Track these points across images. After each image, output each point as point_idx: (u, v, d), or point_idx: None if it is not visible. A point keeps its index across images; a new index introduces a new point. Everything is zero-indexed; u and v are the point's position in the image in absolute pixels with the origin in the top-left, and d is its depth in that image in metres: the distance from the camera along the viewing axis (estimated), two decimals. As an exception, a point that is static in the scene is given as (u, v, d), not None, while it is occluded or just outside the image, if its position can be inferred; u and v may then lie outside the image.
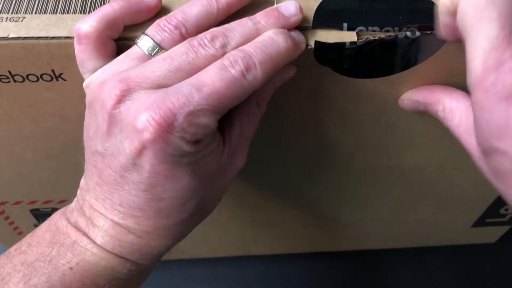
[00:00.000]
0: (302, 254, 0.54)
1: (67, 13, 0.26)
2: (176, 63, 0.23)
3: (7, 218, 0.41)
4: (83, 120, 0.30)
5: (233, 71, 0.23)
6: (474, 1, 0.21)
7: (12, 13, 0.26)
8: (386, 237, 0.51)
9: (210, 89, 0.22)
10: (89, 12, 0.26)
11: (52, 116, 0.30)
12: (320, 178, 0.39)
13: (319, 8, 0.26)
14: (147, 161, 0.23)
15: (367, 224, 0.48)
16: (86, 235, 0.25)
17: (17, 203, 0.39)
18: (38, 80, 0.27)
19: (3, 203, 0.39)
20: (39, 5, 0.26)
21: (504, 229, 0.51)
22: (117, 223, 0.25)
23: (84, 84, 0.25)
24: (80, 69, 0.25)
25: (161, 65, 0.23)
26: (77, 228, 0.25)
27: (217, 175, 0.26)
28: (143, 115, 0.22)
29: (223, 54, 0.23)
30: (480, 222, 0.49)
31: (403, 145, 0.36)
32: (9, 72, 0.26)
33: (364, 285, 0.54)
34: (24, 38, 0.25)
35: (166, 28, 0.24)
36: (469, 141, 0.26)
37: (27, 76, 0.27)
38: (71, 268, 0.24)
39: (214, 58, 0.23)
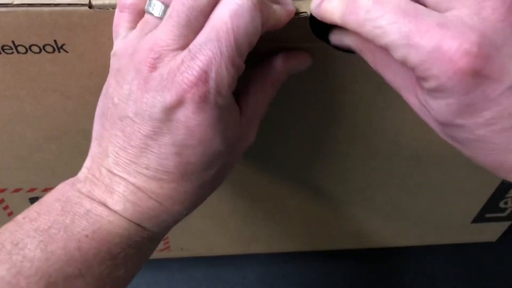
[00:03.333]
0: (301, 253, 0.53)
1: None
2: (183, 14, 0.23)
3: (6, 207, 0.41)
4: (84, 98, 0.31)
5: (239, 1, 0.23)
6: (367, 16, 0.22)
7: (16, -20, 0.26)
8: (386, 235, 0.51)
9: (227, 34, 0.23)
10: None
11: (53, 92, 0.30)
12: (319, 167, 0.39)
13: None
14: (183, 117, 0.23)
15: (366, 220, 0.48)
16: (102, 203, 0.25)
17: (16, 190, 0.39)
18: (40, 51, 0.27)
19: (2, 190, 0.39)
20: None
21: (504, 226, 0.51)
22: (139, 188, 0.25)
23: (112, 52, 0.26)
24: (113, 35, 0.26)
25: (172, 21, 0.23)
26: (91, 197, 0.25)
27: (236, 143, 0.27)
28: (178, 77, 0.23)
29: None
30: (480, 218, 0.49)
31: (401, 130, 0.36)
32: (13, 42, 0.27)
33: (363, 284, 0.54)
34: (29, 5, 0.25)
35: None
36: (409, 99, 0.25)
37: (29, 47, 0.27)
38: (86, 236, 0.24)
39: None
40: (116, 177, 0.25)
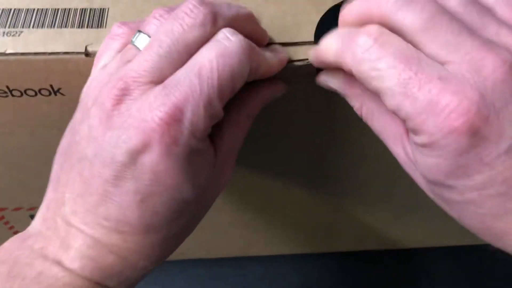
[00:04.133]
0: (302, 254, 0.54)
1: (65, 27, 0.26)
2: (165, 45, 0.21)
3: (6, 223, 0.41)
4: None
5: (228, 43, 0.21)
6: (365, 56, 0.21)
7: (9, 27, 0.25)
8: (387, 238, 0.51)
9: (210, 73, 0.21)
10: (87, 26, 0.26)
11: (50, 128, 0.29)
12: (317, 172, 0.39)
13: (321, 23, 0.26)
14: (149, 163, 0.21)
15: (366, 224, 0.48)
16: (57, 262, 0.22)
17: (16, 209, 0.39)
18: (36, 95, 0.27)
19: (2, 209, 0.39)
20: (36, 18, 0.26)
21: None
22: (98, 241, 0.22)
23: (87, 83, 0.24)
24: (94, 63, 0.24)
25: (151, 52, 0.21)
26: (45, 255, 0.22)
27: (210, 187, 0.25)
28: (147, 115, 0.20)
29: (214, 22, 0.22)
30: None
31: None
32: (7, 87, 0.26)
33: (364, 284, 0.54)
34: (22, 54, 0.24)
35: (157, 15, 0.23)
36: (396, 150, 0.24)
37: (25, 91, 0.26)
38: None
39: (203, 30, 0.22)
40: (73, 228, 0.22)
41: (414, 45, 0.20)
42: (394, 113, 0.20)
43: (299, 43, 0.26)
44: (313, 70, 0.26)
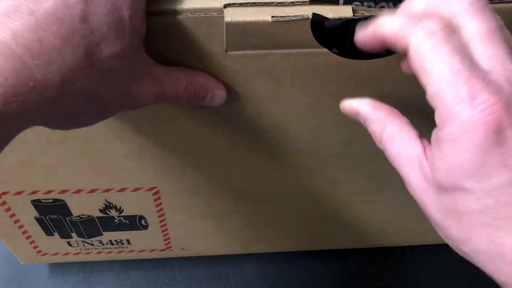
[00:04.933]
0: (302, 252, 0.54)
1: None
2: None
3: (8, 209, 0.41)
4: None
5: None
6: (426, 38, 0.22)
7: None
8: (386, 235, 0.51)
9: None
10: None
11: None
12: (320, 169, 0.40)
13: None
14: None
15: (367, 220, 0.48)
16: None
17: (18, 193, 0.39)
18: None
19: (4, 193, 0.39)
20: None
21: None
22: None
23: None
24: None
25: None
26: None
27: (121, 75, 0.25)
28: None
29: None
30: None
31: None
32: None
33: (364, 283, 0.54)
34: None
35: None
36: (411, 175, 0.25)
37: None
38: None
39: None
40: None
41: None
42: (430, 100, 0.22)
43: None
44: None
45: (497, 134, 0.20)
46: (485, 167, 0.20)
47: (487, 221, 0.21)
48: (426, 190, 0.24)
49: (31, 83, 0.21)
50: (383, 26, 0.24)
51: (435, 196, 0.23)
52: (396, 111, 0.27)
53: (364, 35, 0.25)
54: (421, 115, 0.34)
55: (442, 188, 0.22)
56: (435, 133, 0.23)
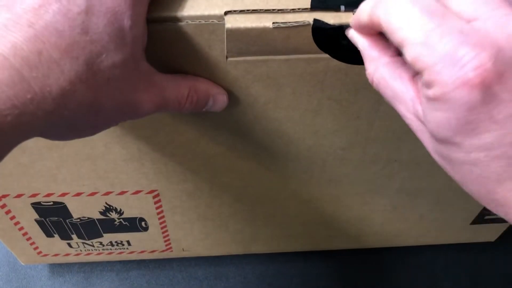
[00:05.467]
0: (301, 252, 0.54)
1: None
2: None
3: (8, 212, 0.41)
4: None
5: None
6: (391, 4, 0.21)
7: None
8: (385, 236, 0.51)
9: None
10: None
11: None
12: (320, 172, 0.40)
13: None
14: None
15: (366, 222, 0.48)
16: None
17: (18, 196, 0.39)
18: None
19: (4, 196, 0.39)
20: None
21: (503, 227, 0.51)
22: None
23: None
24: None
25: None
26: None
27: (122, 83, 0.25)
28: None
29: None
30: (479, 219, 0.49)
31: (401, 137, 0.36)
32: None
33: (363, 283, 0.54)
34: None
35: None
36: (407, 116, 0.24)
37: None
38: None
39: None
40: None
41: (444, 4, 0.21)
42: (412, 65, 0.21)
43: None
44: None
45: (483, 91, 0.19)
46: (472, 123, 0.20)
47: (479, 172, 0.21)
48: (422, 132, 0.23)
49: (28, 96, 0.21)
50: (359, 16, 0.24)
51: (431, 140, 0.23)
52: (391, 49, 0.25)
53: (351, 29, 0.25)
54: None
55: (434, 137, 0.22)
56: (423, 90, 0.21)
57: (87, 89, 0.23)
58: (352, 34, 0.26)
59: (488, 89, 0.19)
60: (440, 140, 0.22)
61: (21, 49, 0.21)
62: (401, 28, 0.21)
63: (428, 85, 0.20)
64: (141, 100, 0.26)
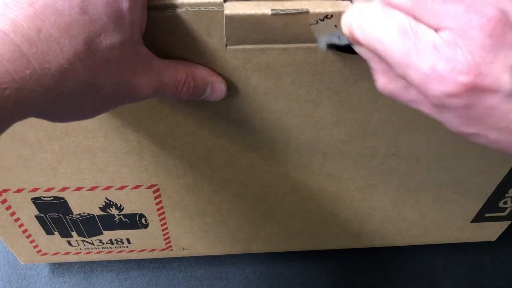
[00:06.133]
0: (301, 252, 0.54)
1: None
2: None
3: (8, 208, 0.41)
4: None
5: None
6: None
7: None
8: (385, 235, 0.51)
9: None
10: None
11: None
12: (319, 166, 0.40)
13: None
14: None
15: (366, 220, 0.48)
16: None
17: (19, 190, 0.39)
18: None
19: (5, 190, 0.39)
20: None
21: (504, 225, 0.51)
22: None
23: None
24: None
25: None
26: None
27: (119, 68, 0.25)
28: None
29: None
30: (479, 217, 0.49)
31: (400, 130, 0.36)
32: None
33: (363, 283, 0.54)
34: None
35: None
36: (427, 112, 0.26)
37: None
38: None
39: None
40: None
41: (414, 16, 0.22)
42: (403, 78, 0.23)
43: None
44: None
45: (469, 94, 0.21)
46: (477, 116, 0.22)
47: (502, 145, 0.23)
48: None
49: (28, 71, 0.21)
50: (343, 24, 0.26)
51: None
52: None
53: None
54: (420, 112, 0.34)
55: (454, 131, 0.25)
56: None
57: (85, 68, 0.23)
58: (359, 51, 0.27)
59: (473, 89, 0.21)
60: (459, 134, 0.24)
61: (21, 26, 0.21)
62: (382, 50, 0.23)
63: (425, 96, 0.23)
64: (139, 83, 0.26)
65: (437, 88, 0.22)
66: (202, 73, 0.29)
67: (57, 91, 0.23)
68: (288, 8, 0.27)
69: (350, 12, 0.25)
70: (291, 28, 0.28)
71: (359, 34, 0.24)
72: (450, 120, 0.23)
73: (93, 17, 0.23)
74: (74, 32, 0.22)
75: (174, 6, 0.26)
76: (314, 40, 0.28)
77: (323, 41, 0.28)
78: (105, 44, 0.23)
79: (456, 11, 0.21)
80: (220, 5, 0.27)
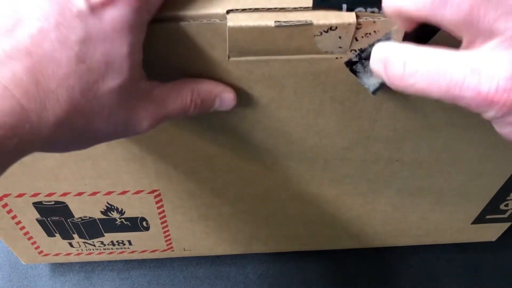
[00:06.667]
0: (302, 252, 0.54)
1: None
2: None
3: (9, 211, 0.41)
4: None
5: None
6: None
7: None
8: (386, 236, 0.51)
9: None
10: None
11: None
12: (321, 171, 0.40)
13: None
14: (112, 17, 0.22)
15: (367, 221, 0.48)
16: None
17: (20, 195, 0.39)
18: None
19: (6, 195, 0.39)
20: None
21: (504, 226, 0.51)
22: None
23: None
24: None
25: None
26: None
27: (117, 105, 0.25)
28: None
29: None
30: (480, 219, 0.49)
31: (403, 136, 0.36)
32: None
33: (364, 283, 0.54)
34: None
35: None
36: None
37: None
38: None
39: None
40: None
41: None
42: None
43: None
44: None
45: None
46: None
47: None
48: None
49: (27, 126, 0.21)
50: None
51: None
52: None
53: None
54: (423, 119, 0.34)
55: None
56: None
57: (82, 117, 0.23)
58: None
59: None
60: None
61: (21, 79, 0.21)
62: (425, 91, 0.23)
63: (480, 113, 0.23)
64: (139, 118, 0.26)
65: (486, 108, 0.22)
66: (207, 87, 0.29)
67: (55, 139, 0.23)
68: (292, 19, 0.26)
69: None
70: (294, 40, 0.27)
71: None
72: (507, 134, 0.23)
73: (90, 65, 0.22)
74: (71, 82, 0.22)
75: (177, 19, 0.26)
76: (317, 52, 0.28)
77: (371, 87, 0.28)
78: (103, 91, 0.23)
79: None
80: (223, 17, 0.26)
